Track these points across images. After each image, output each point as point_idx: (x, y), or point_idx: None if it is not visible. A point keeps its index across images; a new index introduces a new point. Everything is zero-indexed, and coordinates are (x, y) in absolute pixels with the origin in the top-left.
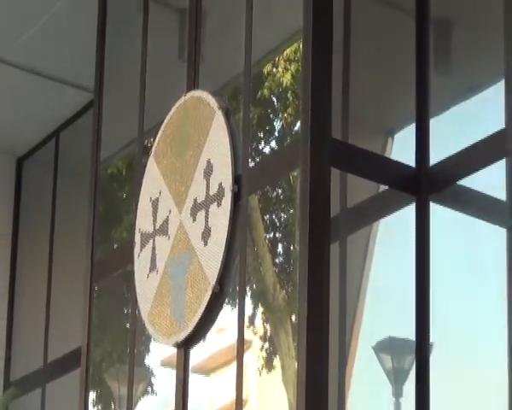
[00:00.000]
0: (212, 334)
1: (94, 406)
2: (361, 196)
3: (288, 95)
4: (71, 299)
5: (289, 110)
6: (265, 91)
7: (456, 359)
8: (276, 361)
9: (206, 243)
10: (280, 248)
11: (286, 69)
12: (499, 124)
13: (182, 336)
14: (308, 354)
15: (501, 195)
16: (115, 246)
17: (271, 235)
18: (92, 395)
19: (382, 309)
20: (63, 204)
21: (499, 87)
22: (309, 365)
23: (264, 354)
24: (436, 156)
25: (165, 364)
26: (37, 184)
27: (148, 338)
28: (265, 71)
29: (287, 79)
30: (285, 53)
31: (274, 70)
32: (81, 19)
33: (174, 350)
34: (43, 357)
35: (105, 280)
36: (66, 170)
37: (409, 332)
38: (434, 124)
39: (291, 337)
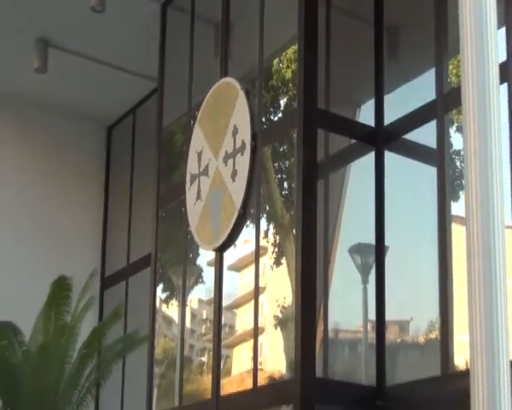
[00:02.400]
0: (239, 243)
1: (162, 292)
2: (338, 147)
3: (289, 83)
4: (145, 220)
5: (290, 93)
6: (274, 80)
7: (403, 257)
8: (284, 261)
9: (234, 181)
10: (285, 184)
11: (288, 66)
12: (432, 96)
13: (218, 243)
14: (303, 256)
15: (433, 145)
16: (173, 183)
17: (279, 176)
18: (160, 286)
19: (353, 224)
20: (139, 158)
21: (431, 73)
22: (303, 263)
23: (275, 256)
24: (389, 119)
25: (209, 263)
26: (121, 146)
27: (197, 246)
28: (274, 65)
29: (288, 75)
30: (287, 55)
31: (280, 65)
32: (150, 32)
33: (214, 254)
34: (127, 258)
35: (167, 206)
36: (141, 134)
37: (372, 239)
38: (388, 98)
39: (293, 245)
